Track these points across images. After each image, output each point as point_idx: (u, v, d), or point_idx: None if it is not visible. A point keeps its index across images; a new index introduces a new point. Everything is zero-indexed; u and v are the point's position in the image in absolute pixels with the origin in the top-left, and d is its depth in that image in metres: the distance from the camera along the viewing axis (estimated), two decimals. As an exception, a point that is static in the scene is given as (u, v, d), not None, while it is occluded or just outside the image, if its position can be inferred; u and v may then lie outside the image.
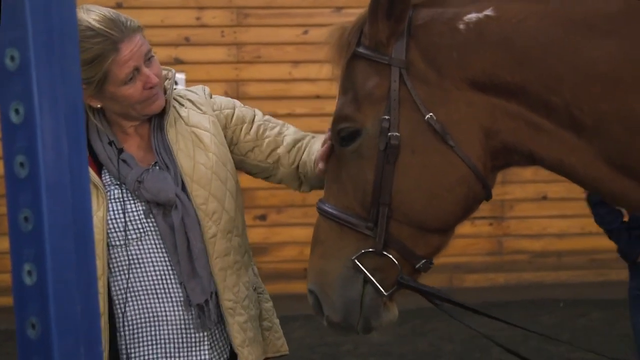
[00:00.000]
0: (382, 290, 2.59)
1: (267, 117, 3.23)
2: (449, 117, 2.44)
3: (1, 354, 7.43)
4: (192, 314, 2.94)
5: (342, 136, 2.56)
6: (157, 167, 2.95)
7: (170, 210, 2.89)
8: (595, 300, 8.76)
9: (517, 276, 9.37)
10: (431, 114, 2.43)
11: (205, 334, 2.97)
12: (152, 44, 8.93)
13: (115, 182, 2.92)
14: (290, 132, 3.18)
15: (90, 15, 2.82)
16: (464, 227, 8.91)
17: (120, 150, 2.93)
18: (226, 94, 9.02)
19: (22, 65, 1.26)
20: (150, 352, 2.94)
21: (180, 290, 2.92)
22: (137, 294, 2.91)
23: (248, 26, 8.98)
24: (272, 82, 8.86)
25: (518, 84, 2.37)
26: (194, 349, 2.96)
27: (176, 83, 9.38)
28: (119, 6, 8.52)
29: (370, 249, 2.54)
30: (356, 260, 2.56)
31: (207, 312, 2.92)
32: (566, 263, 9.29)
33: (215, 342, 3.01)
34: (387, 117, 2.46)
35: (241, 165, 3.17)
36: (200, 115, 3.07)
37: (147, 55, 2.91)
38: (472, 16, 2.42)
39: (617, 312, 7.71)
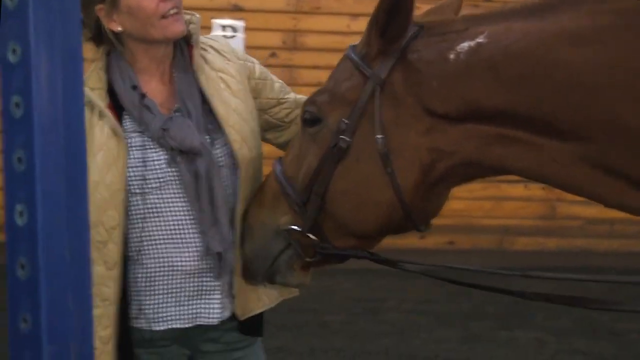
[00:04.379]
0: (302, 257, 2.78)
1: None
2: (403, 142, 2.52)
3: None
4: (207, 263, 2.93)
5: (306, 118, 2.69)
6: (180, 114, 2.93)
7: (193, 158, 2.88)
8: (646, 270, 8.67)
9: (569, 242, 9.29)
10: (382, 136, 2.51)
11: (218, 282, 2.97)
12: (213, -10, 8.83)
13: (137, 129, 2.90)
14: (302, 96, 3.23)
15: None
16: (516, 190, 8.86)
17: (143, 96, 2.91)
18: (284, 44, 9.00)
19: (19, 6, 1.25)
20: (162, 301, 2.94)
21: (198, 239, 2.91)
22: (154, 243, 2.91)
23: (308, -24, 8.96)
24: (330, 34, 8.80)
25: (498, 107, 2.38)
26: (205, 296, 2.96)
27: (235, 30, 9.38)
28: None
29: (296, 228, 2.72)
30: (284, 230, 2.75)
31: (224, 262, 2.92)
32: (618, 231, 9.18)
33: (227, 291, 3.01)
34: (346, 120, 2.57)
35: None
36: (225, 62, 3.05)
37: None
38: (465, 45, 2.43)
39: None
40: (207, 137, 2.91)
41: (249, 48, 8.83)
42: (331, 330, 7.24)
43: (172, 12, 2.84)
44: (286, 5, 8.96)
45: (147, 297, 2.94)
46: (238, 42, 8.87)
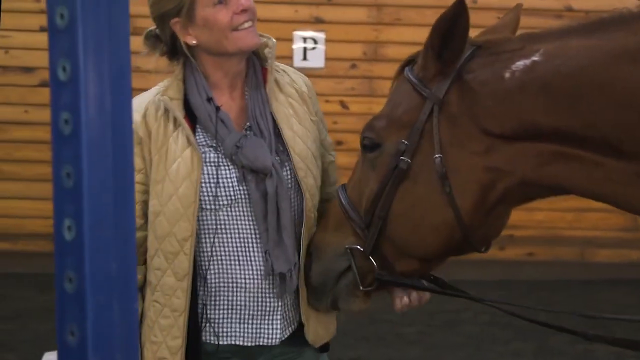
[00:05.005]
0: (360, 284, 2.80)
1: None
2: (460, 162, 2.53)
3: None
4: (270, 283, 2.96)
5: (365, 144, 2.73)
6: (252, 133, 2.96)
7: (263, 177, 2.90)
8: None
9: (652, 254, 9.17)
10: (440, 155, 2.54)
11: (280, 303, 2.99)
12: (293, 3, 8.98)
13: (210, 144, 2.93)
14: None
15: None
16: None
17: (218, 108, 2.93)
18: (364, 55, 9.01)
19: (70, 23, 1.28)
20: (225, 316, 2.96)
21: (262, 258, 2.93)
22: (219, 259, 2.93)
23: (389, -12, 8.97)
24: (411, 45, 8.70)
25: (554, 126, 2.37)
26: (267, 316, 2.98)
27: (316, 42, 9.39)
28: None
29: (360, 248, 2.75)
30: (348, 249, 2.78)
31: (288, 282, 2.94)
32: (703, 244, 9.04)
33: (287, 313, 3.02)
34: (405, 141, 2.60)
35: None
36: (294, 90, 3.09)
37: None
38: (520, 63, 2.43)
39: None
40: (277, 158, 2.93)
41: (330, 60, 8.87)
42: (407, 341, 7.24)
43: (246, 25, 2.87)
44: (367, 17, 8.99)
45: (212, 311, 2.96)
46: (319, 53, 8.90)
